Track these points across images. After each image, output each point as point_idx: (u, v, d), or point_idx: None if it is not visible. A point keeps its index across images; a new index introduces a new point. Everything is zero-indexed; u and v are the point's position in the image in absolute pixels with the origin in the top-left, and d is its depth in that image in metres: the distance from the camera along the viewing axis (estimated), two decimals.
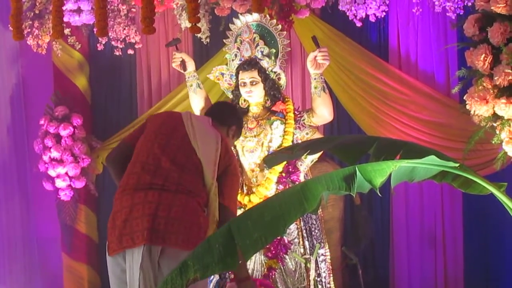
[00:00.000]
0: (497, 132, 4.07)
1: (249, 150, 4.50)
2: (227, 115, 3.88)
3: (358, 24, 5.12)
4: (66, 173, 6.10)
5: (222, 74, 4.76)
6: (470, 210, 5.34)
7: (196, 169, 3.41)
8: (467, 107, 4.07)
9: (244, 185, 4.52)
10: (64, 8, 4.35)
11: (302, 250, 4.41)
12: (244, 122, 4.55)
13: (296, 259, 4.38)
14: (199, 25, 4.03)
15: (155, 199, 3.27)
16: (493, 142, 4.15)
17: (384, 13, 5.09)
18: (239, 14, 4.91)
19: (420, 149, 2.58)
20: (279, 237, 4.32)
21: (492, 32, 3.93)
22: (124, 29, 5.65)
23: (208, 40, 5.51)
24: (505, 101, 3.88)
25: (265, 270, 4.36)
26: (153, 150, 3.47)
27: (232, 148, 4.16)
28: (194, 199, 3.33)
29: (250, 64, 4.55)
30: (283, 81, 4.63)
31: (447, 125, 5.18)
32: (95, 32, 4.46)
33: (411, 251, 5.50)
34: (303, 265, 4.39)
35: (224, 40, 4.86)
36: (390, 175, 2.39)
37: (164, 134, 3.55)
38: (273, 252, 4.35)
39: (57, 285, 6.33)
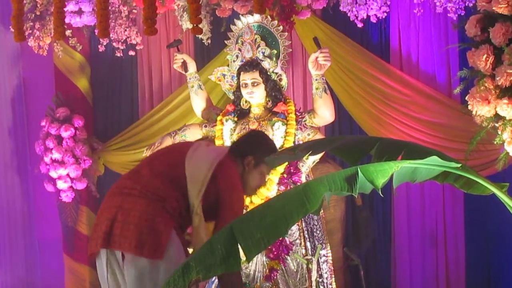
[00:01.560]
0: (499, 132, 4.06)
1: None
2: (244, 146, 3.59)
3: (359, 25, 5.12)
4: (68, 175, 6.10)
5: (224, 75, 4.75)
6: (471, 210, 5.34)
7: (175, 179, 3.25)
8: (469, 107, 4.07)
9: None
10: (65, 9, 4.35)
11: (304, 251, 4.41)
12: (245, 124, 4.55)
13: (298, 260, 4.38)
14: (200, 26, 4.04)
15: (117, 204, 3.21)
16: (495, 142, 4.14)
17: (385, 14, 5.09)
18: (240, 15, 4.91)
19: (422, 149, 2.58)
20: (281, 238, 4.31)
21: (493, 33, 3.92)
22: (125, 30, 5.65)
23: (209, 41, 5.52)
24: (507, 102, 3.87)
25: (267, 271, 4.36)
26: (142, 161, 3.49)
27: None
28: (157, 203, 3.17)
29: (251, 65, 4.55)
30: (284, 82, 4.63)
31: (449, 126, 5.18)
32: (96, 33, 4.46)
33: (412, 251, 5.50)
34: (304, 266, 4.39)
35: (226, 41, 4.86)
36: (392, 175, 2.39)
37: (164, 150, 3.57)
38: (275, 253, 4.34)
39: (59, 287, 6.33)
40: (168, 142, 4.65)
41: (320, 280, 4.42)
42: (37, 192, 6.30)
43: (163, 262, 3.08)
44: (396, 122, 5.34)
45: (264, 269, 4.38)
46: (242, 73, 4.56)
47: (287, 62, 4.79)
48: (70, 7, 5.44)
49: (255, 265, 4.40)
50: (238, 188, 3.38)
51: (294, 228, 4.41)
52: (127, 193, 3.24)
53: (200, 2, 4.19)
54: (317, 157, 4.45)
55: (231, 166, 3.39)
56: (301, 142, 4.46)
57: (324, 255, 4.46)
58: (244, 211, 4.20)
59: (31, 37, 5.63)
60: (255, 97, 4.55)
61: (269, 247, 4.28)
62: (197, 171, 3.24)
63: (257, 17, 4.67)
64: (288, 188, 4.37)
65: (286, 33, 4.76)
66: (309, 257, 4.39)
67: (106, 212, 3.22)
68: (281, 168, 4.43)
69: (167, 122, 6.01)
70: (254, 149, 3.51)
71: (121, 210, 3.17)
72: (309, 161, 4.47)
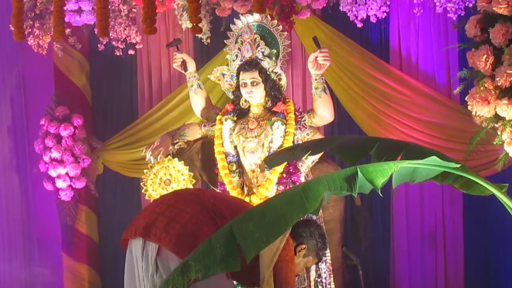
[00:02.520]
0: (499, 133, 4.07)
1: (250, 151, 4.50)
2: (302, 231, 3.48)
3: (359, 25, 5.12)
4: (67, 173, 6.10)
5: (223, 75, 4.75)
6: (470, 210, 5.34)
7: None
8: (469, 108, 4.08)
9: (244, 185, 4.52)
10: (65, 8, 4.34)
11: None
12: (245, 124, 4.55)
13: None
14: (200, 25, 4.03)
15: (171, 202, 3.21)
16: (495, 143, 4.15)
17: (385, 14, 5.10)
18: (240, 15, 4.90)
19: (422, 150, 2.58)
20: None
21: (493, 33, 3.93)
22: (125, 29, 5.65)
23: (209, 40, 5.52)
24: (506, 102, 3.88)
25: None
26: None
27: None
28: (211, 214, 3.13)
29: (251, 64, 4.54)
30: (284, 82, 4.62)
31: (448, 126, 5.18)
32: (96, 32, 4.46)
33: (411, 251, 5.51)
34: None
35: (225, 41, 4.86)
36: (391, 175, 2.39)
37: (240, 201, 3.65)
38: None
39: (58, 286, 6.32)
40: (167, 141, 4.64)
41: (319, 280, 4.42)
42: (36, 191, 6.29)
43: None
44: (396, 122, 5.34)
45: None
46: (241, 72, 4.56)
47: (287, 62, 4.78)
48: (70, 6, 5.44)
49: None
50: (293, 264, 3.33)
51: None
52: (184, 197, 3.26)
53: (200, 2, 4.18)
54: (316, 157, 4.45)
55: (291, 245, 3.34)
56: (300, 142, 4.45)
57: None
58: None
59: (31, 36, 5.63)
60: (255, 96, 4.55)
61: None
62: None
63: (256, 16, 4.66)
64: (287, 187, 4.37)
65: (286, 33, 4.75)
66: None
67: (156, 206, 3.21)
68: (280, 168, 4.43)
69: (167, 121, 6.01)
70: (310, 241, 3.46)
71: (172, 208, 3.16)
72: (308, 161, 4.47)
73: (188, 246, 3.00)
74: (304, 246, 3.43)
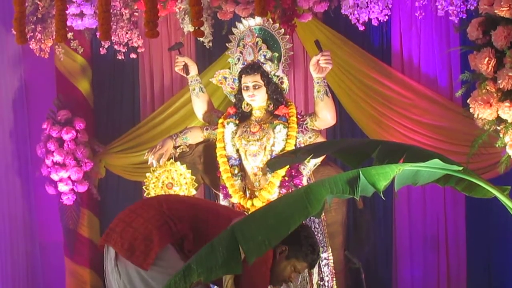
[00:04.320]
0: (501, 135, 4.07)
1: (252, 154, 4.50)
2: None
3: (361, 28, 5.11)
4: (69, 177, 6.10)
5: (225, 78, 4.75)
6: (473, 213, 5.34)
7: (199, 229, 3.18)
8: (471, 110, 4.07)
9: (247, 189, 4.52)
10: (67, 12, 4.35)
11: None
12: (247, 127, 4.55)
13: None
14: (202, 29, 4.04)
15: (135, 208, 3.25)
16: (497, 145, 4.15)
17: (386, 17, 5.08)
18: (241, 18, 4.90)
19: (424, 152, 2.58)
20: None
21: (495, 36, 3.93)
22: (127, 33, 5.65)
23: (210, 44, 5.52)
24: (508, 105, 3.88)
25: None
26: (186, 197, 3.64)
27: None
28: (165, 218, 3.12)
29: (252, 68, 4.54)
30: (285, 85, 4.62)
31: (450, 129, 5.18)
32: (98, 36, 4.46)
33: (414, 254, 5.50)
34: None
35: (227, 44, 4.86)
36: (393, 178, 2.38)
37: (211, 204, 3.62)
38: None
39: None
40: (169, 144, 4.65)
41: (321, 283, 4.41)
42: (38, 195, 6.30)
43: (151, 273, 3.04)
44: (398, 125, 5.34)
45: None
46: (243, 76, 4.56)
47: (289, 65, 4.78)
48: (72, 9, 5.45)
49: None
50: (266, 266, 3.21)
51: None
52: (148, 202, 3.28)
53: (202, 5, 4.19)
54: (318, 160, 4.45)
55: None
56: (302, 145, 4.45)
57: (325, 258, 4.46)
58: (246, 213, 4.23)
59: (33, 40, 5.63)
60: (257, 100, 4.55)
61: None
62: None
63: (258, 20, 4.66)
64: (290, 191, 4.37)
65: (288, 36, 4.76)
66: None
67: (124, 214, 3.24)
68: (282, 171, 4.43)
69: (169, 125, 6.01)
70: (292, 241, 3.22)
71: (132, 213, 3.19)
72: (311, 164, 4.47)
73: (139, 251, 3.04)
74: (284, 247, 3.23)
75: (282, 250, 3.25)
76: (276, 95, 4.56)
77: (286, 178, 4.45)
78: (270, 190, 4.41)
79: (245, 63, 4.62)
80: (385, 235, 5.64)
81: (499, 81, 3.89)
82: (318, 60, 4.42)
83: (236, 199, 4.47)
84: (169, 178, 4.58)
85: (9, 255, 6.00)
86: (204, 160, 4.77)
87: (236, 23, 4.81)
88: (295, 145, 4.48)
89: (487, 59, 3.94)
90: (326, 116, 4.49)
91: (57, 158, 6.04)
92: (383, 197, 2.44)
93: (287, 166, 4.40)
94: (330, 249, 4.52)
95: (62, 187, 6.11)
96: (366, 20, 5.07)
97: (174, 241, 3.11)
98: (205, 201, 4.14)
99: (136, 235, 3.08)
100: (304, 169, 4.48)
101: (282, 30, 4.70)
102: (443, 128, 5.21)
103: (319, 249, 3.47)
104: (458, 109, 5.05)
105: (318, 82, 4.46)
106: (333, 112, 4.51)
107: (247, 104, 4.63)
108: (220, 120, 4.66)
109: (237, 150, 4.55)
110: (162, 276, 3.00)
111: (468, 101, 4.13)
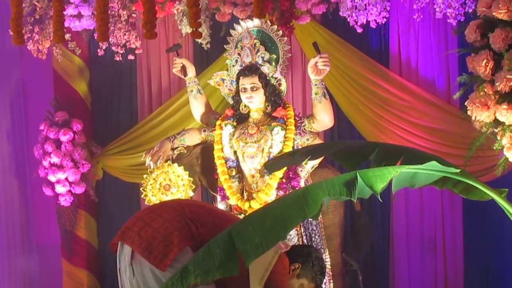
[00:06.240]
0: (498, 138, 4.07)
1: (250, 156, 4.49)
2: (299, 251, 3.39)
3: (359, 30, 5.11)
4: (66, 179, 6.10)
5: (223, 80, 4.75)
6: (470, 215, 5.34)
7: None
8: (468, 113, 4.07)
9: (244, 191, 4.51)
10: (64, 13, 4.35)
11: None
12: (244, 129, 4.54)
13: None
14: (199, 30, 4.04)
15: (153, 207, 3.24)
16: (494, 148, 4.15)
17: (385, 19, 5.08)
18: (239, 20, 4.90)
19: (421, 155, 2.57)
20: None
21: (493, 38, 3.93)
22: (125, 34, 5.65)
23: (208, 45, 5.52)
24: (506, 107, 3.88)
25: None
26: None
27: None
28: (186, 220, 3.09)
29: (250, 70, 4.54)
30: (283, 87, 4.62)
31: (448, 131, 5.18)
32: (96, 37, 4.46)
33: (411, 256, 5.50)
34: None
35: (225, 46, 4.86)
36: (391, 180, 2.38)
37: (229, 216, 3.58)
38: None
39: None
40: (167, 146, 4.64)
41: None
42: (35, 196, 6.29)
43: (166, 274, 2.97)
44: (395, 128, 5.34)
45: None
46: (241, 77, 4.56)
47: (287, 67, 4.78)
48: (70, 11, 5.45)
49: None
50: (287, 278, 3.25)
51: (293, 233, 4.41)
52: (168, 204, 3.26)
53: (200, 7, 4.19)
54: (316, 162, 4.44)
55: (286, 261, 3.27)
56: (300, 147, 4.45)
57: None
58: (243, 215, 4.22)
59: (30, 41, 5.64)
60: (254, 101, 4.55)
61: None
62: (263, 256, 2.75)
63: (256, 21, 4.66)
64: (287, 193, 4.36)
65: (286, 38, 4.75)
66: None
67: (142, 213, 3.21)
68: (280, 173, 4.43)
69: (166, 127, 6.01)
70: (304, 260, 3.32)
71: (151, 213, 3.15)
72: (308, 166, 4.47)
73: (158, 251, 3.00)
74: (298, 265, 3.29)
75: (296, 267, 3.29)
76: (274, 97, 4.56)
77: (284, 180, 4.45)
78: (268, 192, 4.41)
79: (243, 65, 4.62)
80: (383, 237, 5.64)
81: (497, 84, 3.89)
82: (316, 62, 4.42)
83: (233, 201, 4.46)
84: (167, 180, 4.58)
85: (6, 257, 6.00)
86: (202, 162, 4.76)
87: (234, 24, 4.81)
88: (293, 147, 4.48)
89: (485, 61, 3.94)
90: (324, 118, 4.49)
91: (55, 159, 6.04)
92: (380, 199, 2.43)
93: (285, 168, 4.40)
94: (328, 251, 4.51)
95: (59, 189, 6.11)
96: (364, 23, 5.07)
97: (193, 245, 3.06)
98: (220, 209, 4.12)
99: (155, 235, 3.04)
100: (301, 171, 4.48)
101: (280, 32, 4.69)
102: (440, 131, 5.21)
103: (325, 271, 3.49)
104: (455, 111, 5.05)
105: (316, 84, 4.46)
106: (331, 114, 4.51)
107: (245, 106, 4.63)
108: (218, 122, 4.66)
109: (235, 152, 4.54)
110: None
111: (465, 103, 4.13)
